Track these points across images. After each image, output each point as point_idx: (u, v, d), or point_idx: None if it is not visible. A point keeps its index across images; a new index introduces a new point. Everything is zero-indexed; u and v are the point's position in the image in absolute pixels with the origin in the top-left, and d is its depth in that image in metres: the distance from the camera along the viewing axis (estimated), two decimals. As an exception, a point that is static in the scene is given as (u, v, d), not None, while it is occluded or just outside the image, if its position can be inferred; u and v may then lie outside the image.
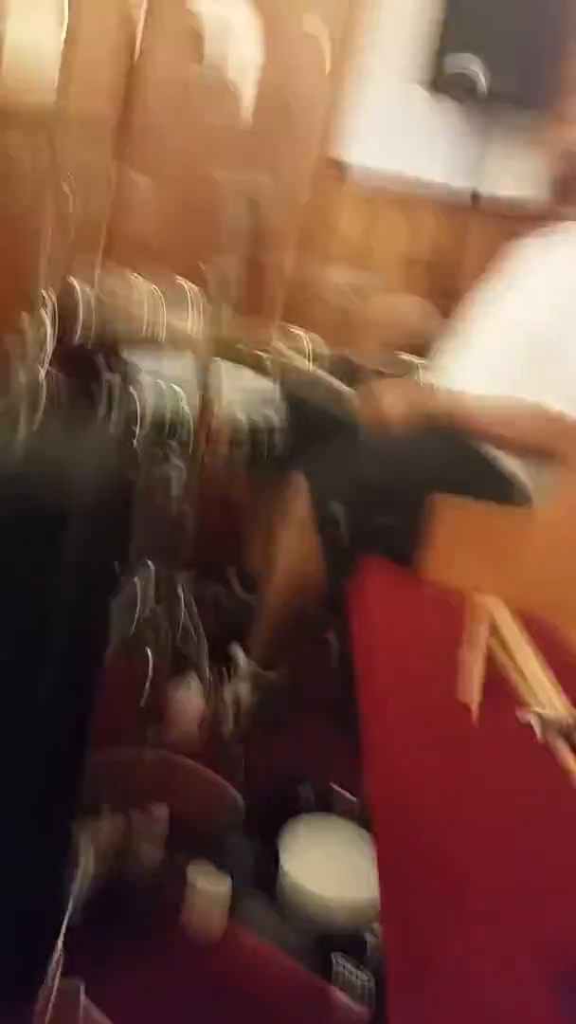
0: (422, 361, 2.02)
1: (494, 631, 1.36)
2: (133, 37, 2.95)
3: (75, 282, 1.90)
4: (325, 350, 1.99)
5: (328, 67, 3.01)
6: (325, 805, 1.57)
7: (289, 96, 3.13)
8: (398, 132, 3.03)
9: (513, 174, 3.03)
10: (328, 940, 1.31)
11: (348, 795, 1.58)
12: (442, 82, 2.73)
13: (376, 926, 1.27)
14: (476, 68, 2.60)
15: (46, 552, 1.01)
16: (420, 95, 2.83)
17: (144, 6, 2.82)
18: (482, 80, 2.61)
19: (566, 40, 2.70)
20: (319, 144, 3.10)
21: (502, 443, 1.71)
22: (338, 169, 3.10)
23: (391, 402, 1.76)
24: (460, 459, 1.71)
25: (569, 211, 1.85)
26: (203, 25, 2.87)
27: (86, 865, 1.23)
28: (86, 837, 1.27)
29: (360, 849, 1.46)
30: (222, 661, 1.79)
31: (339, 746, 1.61)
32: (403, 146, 3.04)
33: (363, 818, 1.50)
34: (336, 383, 1.86)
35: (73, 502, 1.02)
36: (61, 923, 1.13)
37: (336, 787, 1.59)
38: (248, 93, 3.15)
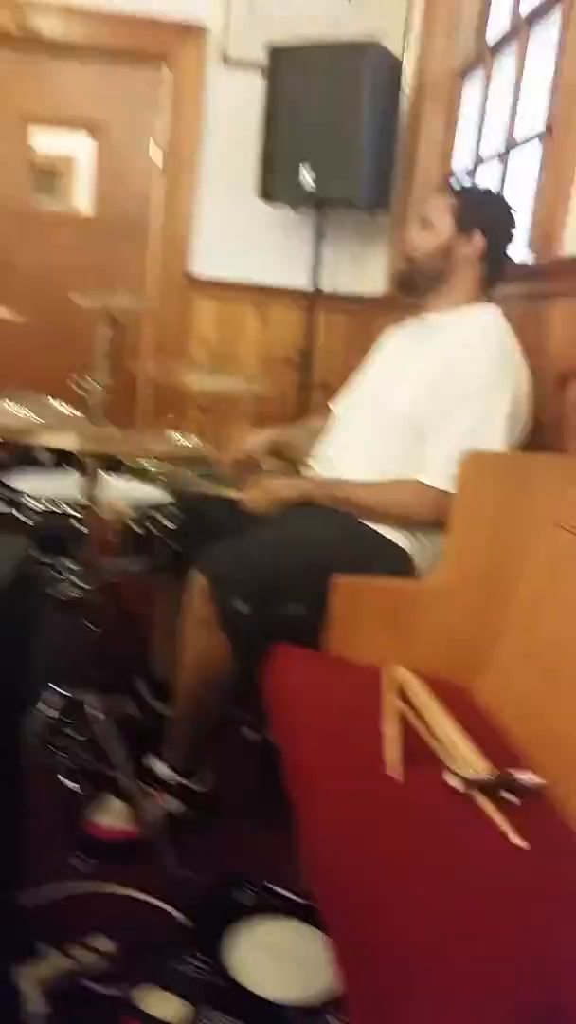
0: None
1: (407, 700, 1.40)
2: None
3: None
4: (203, 450, 2.04)
5: (170, 189, 3.19)
6: (265, 906, 1.53)
7: (136, 219, 3.27)
8: (241, 241, 3.22)
9: (352, 271, 3.26)
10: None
11: (286, 892, 1.55)
12: (276, 191, 2.93)
13: (337, 1018, 1.24)
14: (307, 177, 2.81)
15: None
16: (258, 206, 3.03)
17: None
18: (312, 186, 2.81)
19: (395, 148, 2.97)
20: (170, 260, 3.24)
21: (384, 518, 1.79)
22: (190, 280, 3.24)
23: (274, 489, 1.82)
24: (351, 538, 1.77)
25: (412, 302, 2.00)
26: (45, 159, 2.97)
27: (32, 1007, 1.16)
28: (27, 979, 1.20)
29: (305, 944, 1.43)
30: (143, 776, 1.75)
31: (270, 844, 1.60)
32: (247, 253, 3.23)
33: (304, 913, 1.47)
34: (220, 479, 1.91)
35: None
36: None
37: (272, 886, 1.56)
38: (97, 219, 3.28)
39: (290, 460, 2.12)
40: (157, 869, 1.61)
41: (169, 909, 1.53)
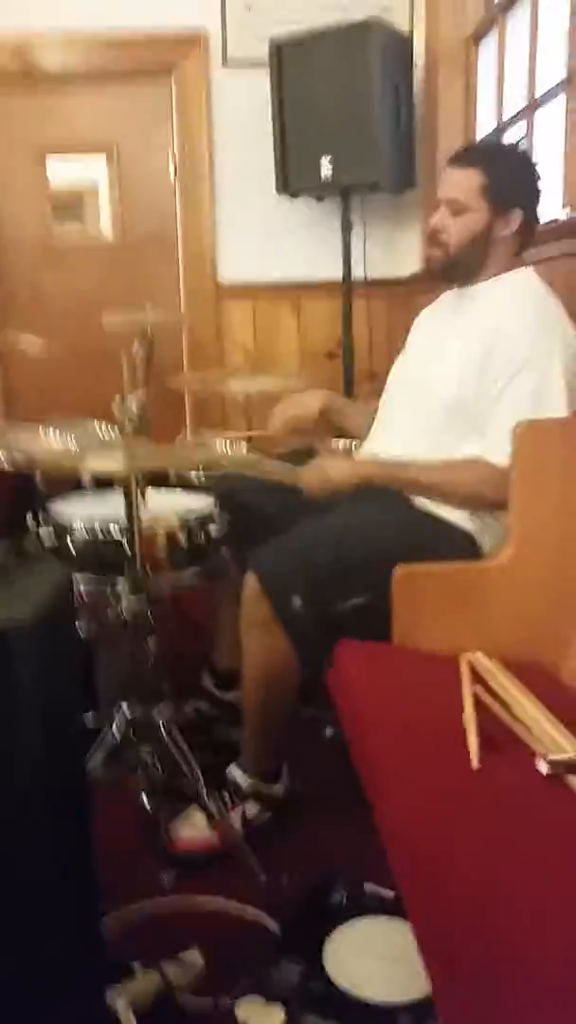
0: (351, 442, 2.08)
1: (485, 686, 1.35)
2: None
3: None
4: (249, 454, 2.02)
5: (189, 200, 3.20)
6: (360, 906, 1.50)
7: (161, 235, 3.29)
8: (268, 241, 3.21)
9: (386, 255, 3.20)
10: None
11: (382, 890, 1.52)
12: (297, 185, 2.91)
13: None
14: (327, 165, 2.78)
15: None
16: (281, 202, 3.01)
17: None
18: (331, 176, 2.76)
19: (413, 124, 2.90)
20: (198, 271, 3.25)
21: (450, 500, 1.73)
22: (220, 288, 3.24)
23: (332, 474, 1.76)
24: (411, 524, 1.72)
25: (441, 283, 1.93)
26: (67, 189, 2.98)
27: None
28: (120, 999, 1.19)
29: (403, 942, 1.39)
30: (221, 785, 1.74)
31: (360, 843, 1.56)
32: (277, 252, 3.21)
33: (399, 910, 1.44)
34: (275, 471, 1.86)
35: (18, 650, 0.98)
36: None
37: (367, 885, 1.53)
38: (122, 241, 3.31)
39: (340, 429, 2.08)
40: (243, 877, 1.60)
41: (260, 916, 1.51)
